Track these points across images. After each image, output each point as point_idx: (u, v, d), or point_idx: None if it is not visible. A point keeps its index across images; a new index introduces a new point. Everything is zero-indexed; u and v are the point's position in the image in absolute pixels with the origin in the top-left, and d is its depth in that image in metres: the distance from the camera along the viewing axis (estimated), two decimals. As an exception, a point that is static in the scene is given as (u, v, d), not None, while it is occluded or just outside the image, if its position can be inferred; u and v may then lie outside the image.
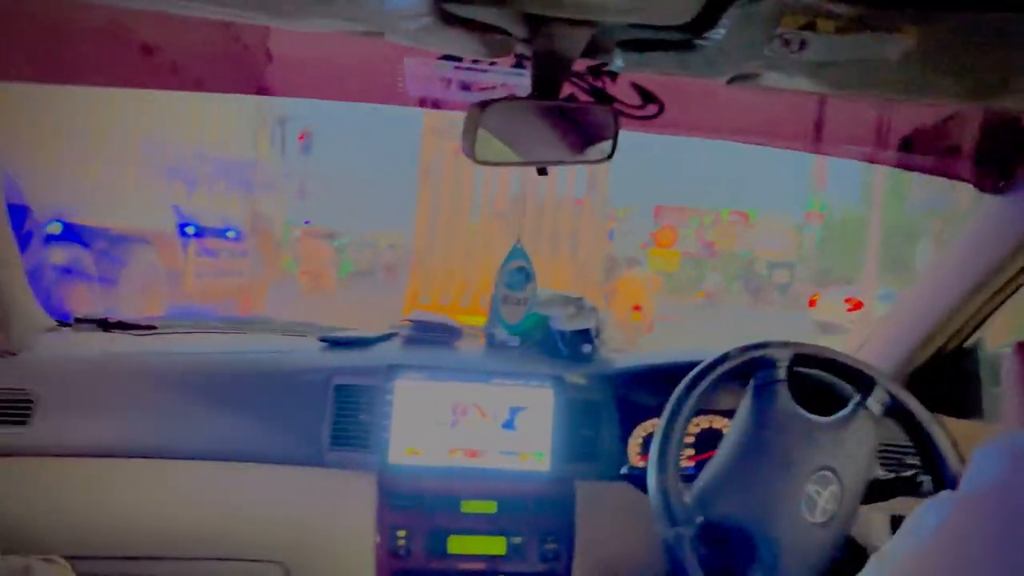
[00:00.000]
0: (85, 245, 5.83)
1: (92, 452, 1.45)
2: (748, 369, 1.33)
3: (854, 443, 1.32)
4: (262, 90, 1.59)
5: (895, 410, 1.36)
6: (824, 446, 1.30)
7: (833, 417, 1.34)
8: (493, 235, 7.27)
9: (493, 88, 1.50)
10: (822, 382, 1.45)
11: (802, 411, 1.33)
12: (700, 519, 1.23)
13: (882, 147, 1.38)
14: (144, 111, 6.28)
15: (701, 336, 12.30)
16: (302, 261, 13.44)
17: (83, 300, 5.76)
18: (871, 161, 1.45)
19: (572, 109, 1.17)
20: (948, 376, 1.70)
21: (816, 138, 1.38)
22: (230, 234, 8.07)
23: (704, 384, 1.30)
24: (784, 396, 1.32)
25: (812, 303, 17.57)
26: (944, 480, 1.32)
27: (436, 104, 1.61)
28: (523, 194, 7.13)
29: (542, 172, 1.17)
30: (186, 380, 1.55)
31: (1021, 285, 1.49)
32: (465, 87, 1.50)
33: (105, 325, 1.80)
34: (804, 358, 1.36)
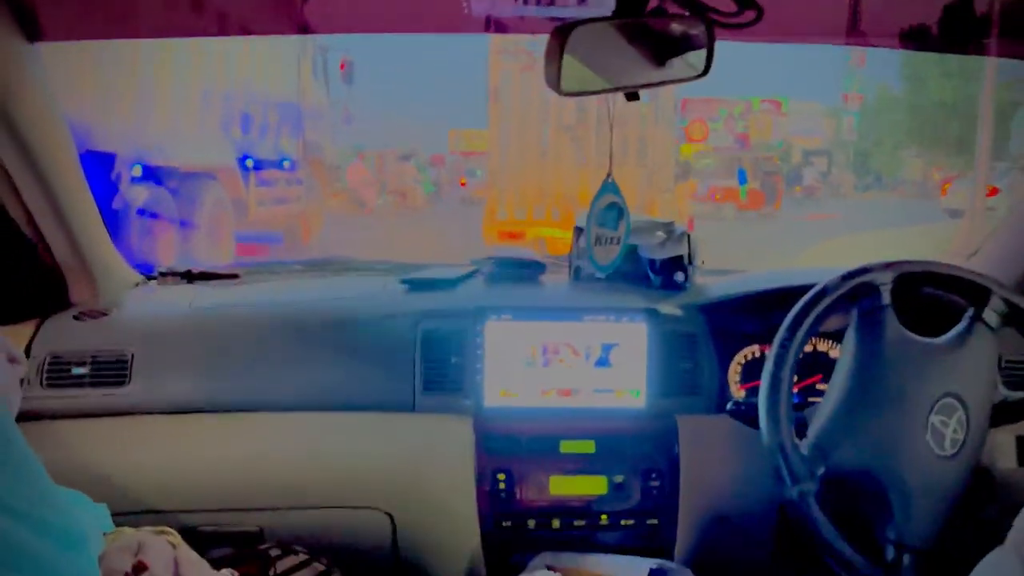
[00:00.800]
0: (163, 184, 6.44)
1: (188, 408, 1.47)
2: (851, 297, 1.23)
3: (974, 362, 1.23)
4: (313, 28, 1.53)
5: (1015, 318, 1.25)
6: (943, 371, 1.20)
7: (948, 336, 1.24)
8: (562, 149, 7.45)
9: (566, 4, 1.39)
10: (934, 300, 1.34)
11: (913, 336, 1.23)
12: (821, 471, 1.17)
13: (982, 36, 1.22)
14: (199, 57, 6.80)
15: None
16: (388, 183, 13.98)
17: (166, 240, 6.17)
18: (969, 52, 1.29)
19: (660, 24, 1.07)
20: None
21: (918, 33, 1.23)
22: (285, 164, 8.60)
23: (803, 328, 1.20)
24: (892, 322, 1.22)
25: (944, 192, 17.28)
26: None
27: (502, 27, 1.51)
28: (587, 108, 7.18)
29: (632, 97, 1.08)
30: (274, 331, 1.55)
31: None
32: (537, 1, 1.40)
33: (189, 276, 1.82)
34: (909, 278, 1.25)
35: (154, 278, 1.82)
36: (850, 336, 1.25)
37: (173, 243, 6.52)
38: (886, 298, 1.23)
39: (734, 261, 2.01)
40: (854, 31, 1.30)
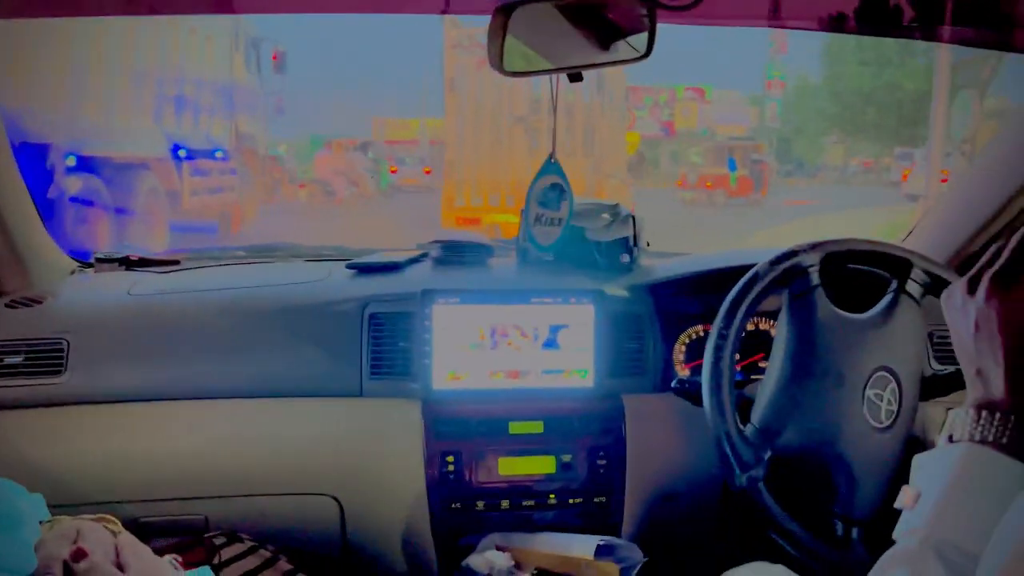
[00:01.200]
0: (97, 174, 6.49)
1: (128, 397, 1.43)
2: (782, 281, 1.26)
3: (902, 334, 1.27)
4: (253, 8, 1.50)
5: (937, 287, 1.29)
6: (873, 345, 1.24)
7: (874, 310, 1.28)
8: (516, 139, 7.82)
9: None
10: (863, 276, 1.38)
11: (843, 313, 1.27)
12: (767, 455, 1.20)
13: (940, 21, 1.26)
14: (131, 51, 6.97)
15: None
16: (340, 173, 13.90)
17: (101, 227, 6.13)
18: (928, 39, 1.32)
19: (603, 5, 1.07)
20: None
21: (869, 19, 1.26)
22: (218, 154, 8.86)
23: (739, 314, 1.23)
24: (822, 302, 1.26)
25: (904, 178, 18.03)
26: None
27: (451, 7, 1.50)
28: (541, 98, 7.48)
29: (575, 78, 1.08)
30: (217, 317, 1.52)
31: None
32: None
33: (128, 263, 1.77)
34: (834, 256, 1.29)
35: (91, 265, 1.77)
36: (783, 318, 1.28)
37: (108, 232, 6.56)
38: (815, 279, 1.26)
39: (726, 243, 2.04)
40: (781, 14, 1.32)
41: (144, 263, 1.78)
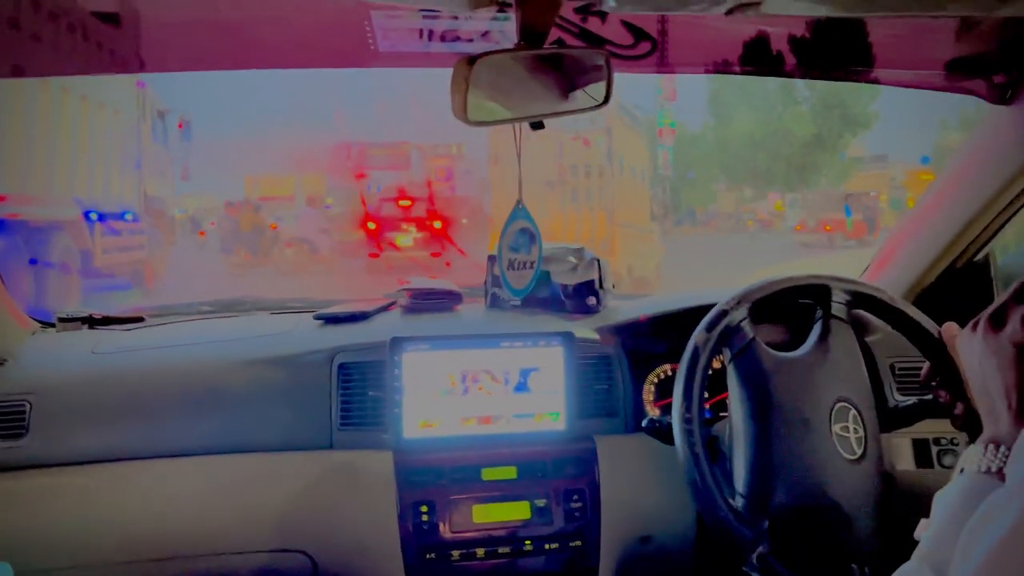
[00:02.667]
0: (11, 235, 7.03)
1: (93, 458, 1.40)
2: (721, 342, 1.27)
3: (844, 359, 1.29)
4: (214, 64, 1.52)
5: (859, 302, 1.33)
6: (823, 379, 1.27)
7: (809, 341, 1.30)
8: (546, 199, 10.00)
9: (470, 40, 1.42)
10: (795, 311, 1.41)
11: (785, 355, 1.28)
12: (765, 524, 1.19)
13: (885, 65, 1.32)
14: (47, 118, 7.62)
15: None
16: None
17: (17, 286, 6.44)
18: (878, 83, 1.39)
19: (562, 56, 1.10)
20: (961, 292, 1.67)
21: (823, 63, 1.31)
22: (127, 216, 9.62)
23: (697, 375, 1.24)
24: (763, 353, 1.27)
25: (798, 227, 18.41)
26: (933, 352, 1.27)
27: (407, 61, 1.53)
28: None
29: (537, 126, 1.11)
30: (183, 373, 1.50)
31: None
32: (441, 38, 1.42)
33: (91, 322, 1.75)
34: (760, 303, 1.30)
35: (53, 325, 1.74)
36: (732, 378, 1.29)
37: (23, 290, 6.82)
38: (749, 332, 1.28)
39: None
40: (763, 60, 1.37)
41: (107, 321, 1.76)
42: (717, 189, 25.06)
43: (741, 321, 1.27)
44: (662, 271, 10.88)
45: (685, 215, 23.58)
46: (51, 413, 1.40)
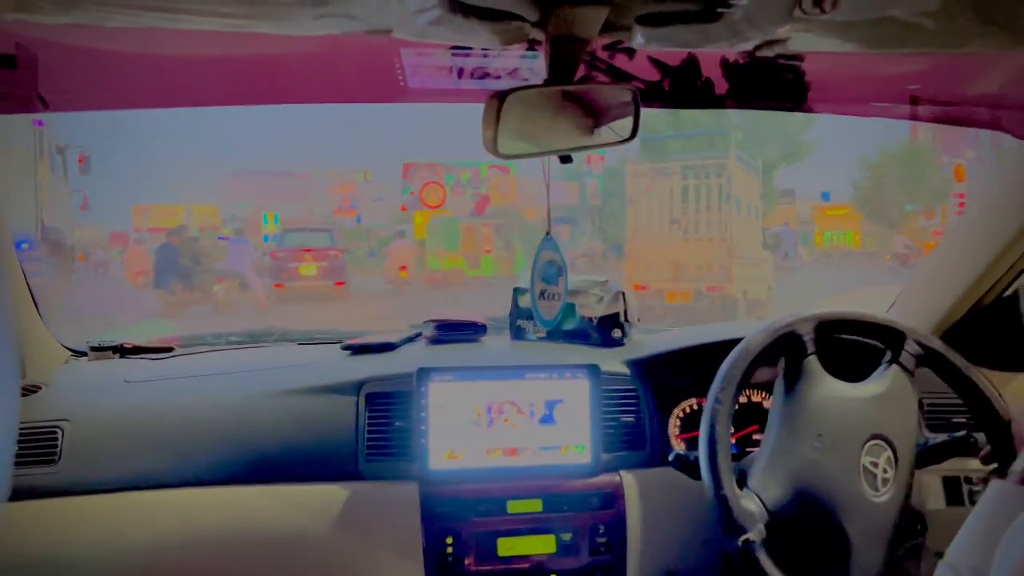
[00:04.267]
0: None
1: (122, 486, 1.41)
2: (778, 349, 1.29)
3: (896, 403, 1.29)
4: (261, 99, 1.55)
5: (929, 360, 1.33)
6: (868, 413, 1.27)
7: (869, 380, 1.31)
8: (671, 234, 11.41)
9: (499, 76, 1.45)
10: (855, 345, 1.41)
11: (838, 382, 1.29)
12: (765, 520, 1.20)
13: (910, 101, 1.33)
14: None
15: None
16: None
17: None
18: (903, 118, 1.40)
19: (591, 91, 1.13)
20: (989, 329, 1.66)
21: (847, 99, 1.33)
22: (24, 246, 9.75)
23: (735, 382, 1.25)
24: (817, 371, 1.29)
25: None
26: (994, 426, 1.28)
27: (438, 96, 1.56)
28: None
29: (566, 160, 1.13)
30: (211, 404, 1.52)
31: None
32: (471, 75, 1.45)
33: (122, 351, 1.78)
34: (828, 325, 1.33)
35: (84, 354, 1.78)
36: (779, 385, 1.31)
37: None
38: (810, 347, 1.29)
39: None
40: (783, 94, 1.39)
41: (138, 351, 1.79)
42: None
43: (805, 335, 1.29)
44: (773, 294, 12.13)
45: (611, 248, 21.20)
46: (83, 440, 1.42)
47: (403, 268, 14.14)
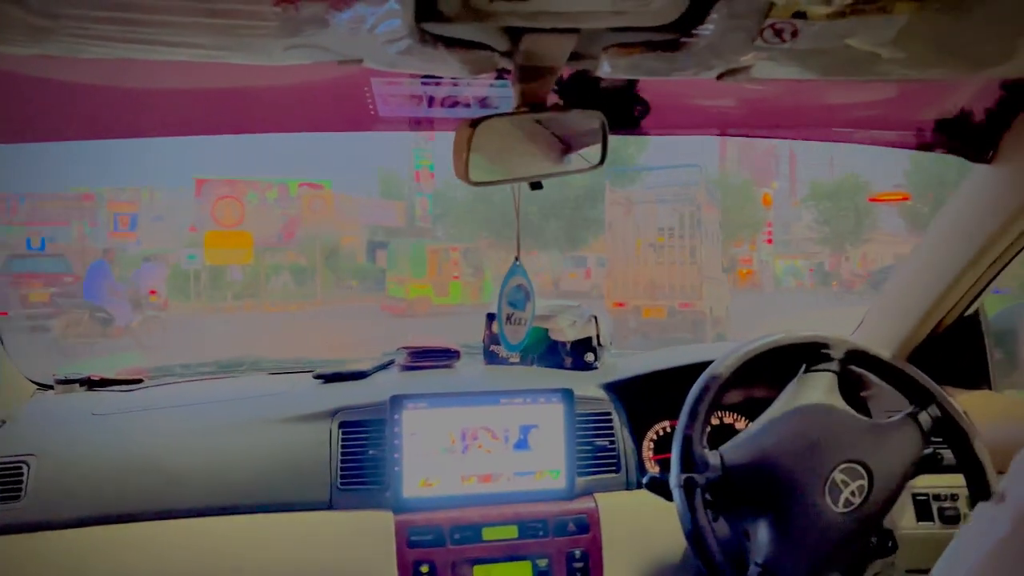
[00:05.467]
0: None
1: (91, 520, 1.38)
2: (803, 354, 1.34)
3: (896, 449, 1.30)
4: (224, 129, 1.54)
5: (945, 427, 1.34)
6: (864, 443, 1.28)
7: (880, 422, 1.33)
8: (647, 256, 12.81)
9: (469, 105, 1.46)
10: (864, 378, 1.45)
11: (846, 407, 1.31)
12: (718, 472, 1.22)
13: (870, 126, 1.37)
14: None
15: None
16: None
17: None
18: (862, 143, 1.44)
19: (560, 119, 1.14)
20: (952, 348, 1.69)
21: (808, 123, 1.36)
22: None
23: (706, 404, 1.27)
24: (832, 386, 1.32)
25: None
26: (983, 493, 1.30)
27: (410, 125, 1.57)
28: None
29: (536, 186, 1.14)
30: (182, 435, 1.50)
31: (1019, 252, 1.48)
32: (441, 103, 1.47)
33: (89, 384, 1.75)
34: (858, 356, 1.36)
35: (51, 387, 1.74)
36: (792, 385, 1.34)
37: None
38: (835, 366, 1.33)
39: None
40: (749, 121, 1.41)
41: (106, 383, 1.76)
42: (482, 247, 19.97)
43: (833, 350, 1.34)
44: (731, 312, 13.54)
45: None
46: (50, 475, 1.40)
47: (152, 292, 12.65)
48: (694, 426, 1.24)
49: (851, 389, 1.39)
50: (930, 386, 1.36)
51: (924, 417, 1.33)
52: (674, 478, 1.21)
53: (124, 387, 1.74)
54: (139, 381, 1.79)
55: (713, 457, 1.24)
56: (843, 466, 1.24)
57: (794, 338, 1.35)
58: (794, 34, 0.93)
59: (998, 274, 1.55)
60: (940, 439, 1.33)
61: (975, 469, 1.32)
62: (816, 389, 1.31)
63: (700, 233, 12.75)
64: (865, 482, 1.25)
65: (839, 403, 1.31)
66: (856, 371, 1.40)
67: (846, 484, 1.24)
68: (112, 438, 1.48)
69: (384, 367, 1.76)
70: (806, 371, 1.34)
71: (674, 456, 1.24)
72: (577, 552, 1.46)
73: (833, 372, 1.33)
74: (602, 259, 15.96)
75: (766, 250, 19.80)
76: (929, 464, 1.36)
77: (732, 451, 1.26)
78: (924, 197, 22.47)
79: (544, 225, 19.27)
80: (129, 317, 11.01)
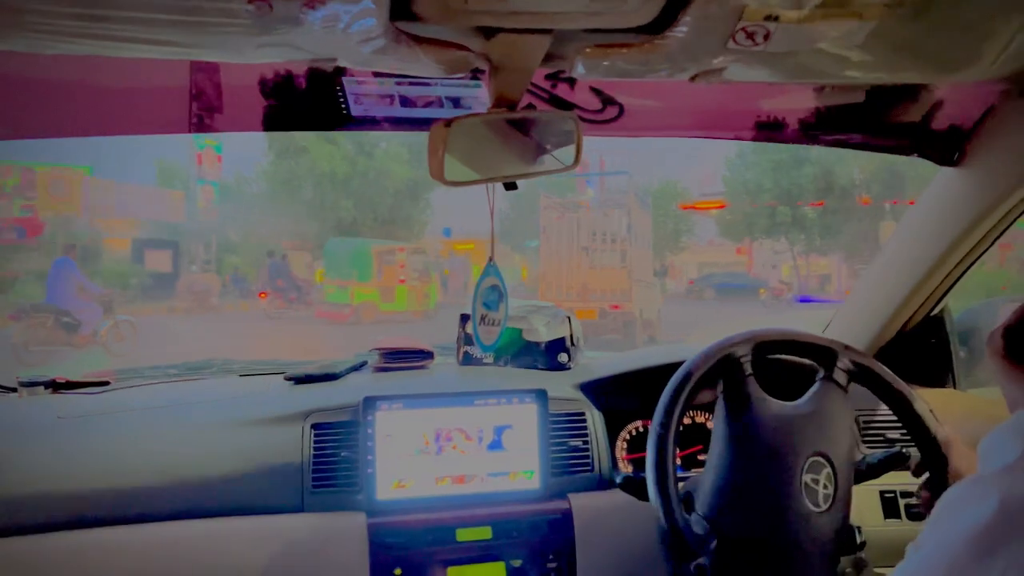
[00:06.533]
0: None
1: (57, 525, 1.35)
2: (717, 372, 1.29)
3: (832, 420, 1.31)
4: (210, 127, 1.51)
5: (861, 376, 1.35)
6: (807, 432, 1.28)
7: (804, 398, 1.33)
8: (581, 260, 13.10)
9: (442, 105, 1.46)
10: (791, 365, 1.44)
11: (776, 402, 1.30)
12: (714, 544, 1.21)
13: (841, 129, 1.39)
14: None
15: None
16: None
17: None
18: (830, 146, 1.45)
19: (533, 120, 1.15)
20: (918, 347, 1.72)
21: (775, 126, 1.38)
22: None
23: (677, 407, 1.25)
24: (756, 391, 1.29)
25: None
26: (926, 439, 1.31)
27: (380, 125, 1.56)
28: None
29: (510, 187, 1.14)
30: (151, 438, 1.47)
31: (983, 253, 1.51)
32: (414, 103, 1.46)
33: (54, 386, 1.71)
34: (766, 346, 1.34)
35: (15, 390, 1.71)
36: (720, 408, 1.31)
37: None
38: (748, 368, 1.30)
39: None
40: (717, 124, 1.42)
41: (71, 385, 1.72)
42: (284, 248, 17.31)
43: (742, 356, 1.30)
44: (661, 315, 13.96)
45: (232, 286, 16.64)
46: (14, 479, 1.36)
47: None
48: (668, 425, 1.25)
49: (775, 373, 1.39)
50: (831, 344, 1.36)
51: (838, 374, 1.33)
52: (685, 567, 1.20)
53: (90, 390, 1.71)
54: (106, 383, 1.76)
55: (698, 525, 1.23)
56: (807, 464, 1.25)
57: (708, 355, 1.29)
58: (766, 37, 0.94)
59: (963, 274, 1.59)
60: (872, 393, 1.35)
61: (906, 412, 1.33)
62: (744, 397, 1.29)
63: (630, 238, 13.20)
64: (829, 469, 1.26)
65: (769, 402, 1.29)
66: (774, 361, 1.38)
67: (816, 481, 1.26)
68: (78, 442, 1.45)
69: (357, 368, 1.74)
70: (725, 387, 1.30)
71: (649, 458, 1.24)
72: (551, 552, 1.46)
73: (749, 375, 1.30)
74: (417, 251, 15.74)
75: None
76: (897, 462, 1.38)
77: (713, 508, 1.25)
78: (740, 204, 22.67)
79: (361, 219, 17.60)
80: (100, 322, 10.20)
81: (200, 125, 1.38)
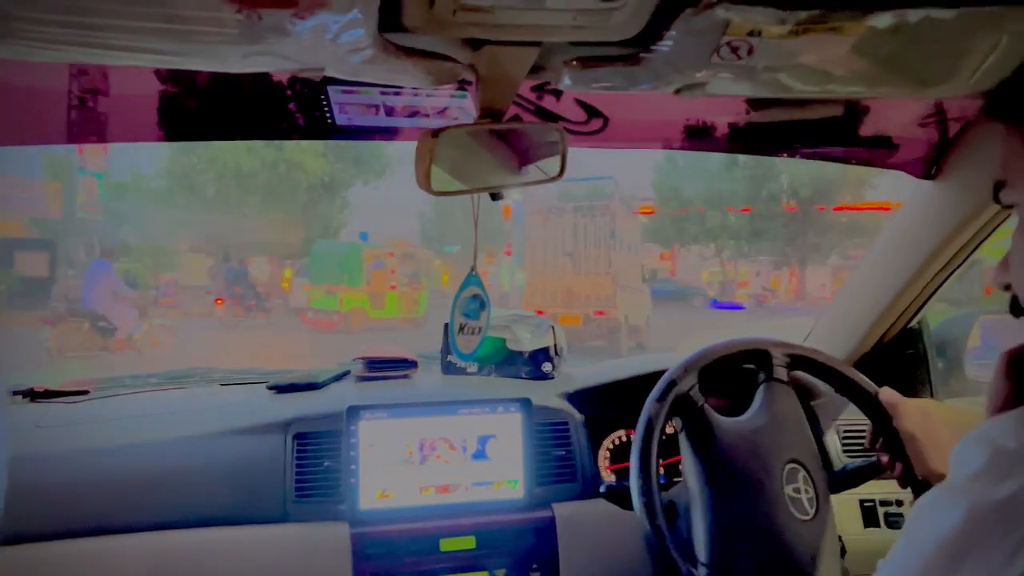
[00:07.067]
0: None
1: (34, 537, 1.34)
2: (673, 411, 1.25)
3: (788, 420, 1.29)
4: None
5: (797, 364, 1.34)
6: (771, 442, 1.26)
7: (756, 405, 1.31)
8: (563, 265, 13.16)
9: (428, 116, 1.46)
10: (741, 379, 1.41)
11: (734, 420, 1.28)
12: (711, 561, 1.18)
13: (816, 142, 1.41)
14: None
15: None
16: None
17: None
18: (811, 158, 1.48)
19: (519, 131, 1.16)
20: (897, 358, 1.74)
21: (769, 143, 1.39)
22: None
23: (653, 440, 1.21)
24: (713, 419, 1.26)
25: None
26: (867, 400, 1.31)
27: (367, 133, 1.56)
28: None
29: (496, 197, 1.15)
30: (131, 448, 1.46)
31: (960, 264, 1.54)
32: (400, 113, 1.46)
33: (32, 396, 1.69)
34: (707, 369, 1.30)
35: None
36: (684, 446, 1.27)
37: None
38: (698, 399, 1.26)
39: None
40: (701, 137, 1.44)
41: (50, 395, 1.71)
42: (182, 251, 16.11)
43: (690, 389, 1.26)
44: (651, 322, 13.82)
45: (158, 295, 14.94)
46: None
47: None
48: (651, 436, 1.24)
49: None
50: (762, 343, 1.34)
51: (778, 371, 1.32)
52: None
53: (69, 399, 1.69)
54: (85, 393, 1.74)
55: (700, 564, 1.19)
56: (783, 476, 1.23)
57: (654, 405, 1.25)
58: (749, 52, 0.96)
59: (941, 285, 1.61)
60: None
61: (847, 385, 1.33)
62: (703, 428, 1.25)
63: (615, 243, 13.13)
64: (803, 472, 1.25)
65: (727, 425, 1.26)
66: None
67: (797, 490, 1.26)
68: (57, 452, 1.43)
69: (339, 378, 1.74)
70: (683, 423, 1.27)
71: (633, 468, 1.24)
72: (535, 562, 1.46)
73: (700, 405, 1.26)
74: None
75: (505, 263, 18.09)
76: (875, 470, 1.40)
77: (715, 554, 1.20)
78: (669, 209, 22.60)
79: (273, 216, 16.15)
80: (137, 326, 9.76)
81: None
